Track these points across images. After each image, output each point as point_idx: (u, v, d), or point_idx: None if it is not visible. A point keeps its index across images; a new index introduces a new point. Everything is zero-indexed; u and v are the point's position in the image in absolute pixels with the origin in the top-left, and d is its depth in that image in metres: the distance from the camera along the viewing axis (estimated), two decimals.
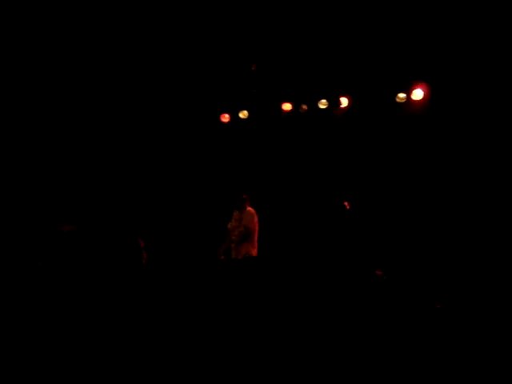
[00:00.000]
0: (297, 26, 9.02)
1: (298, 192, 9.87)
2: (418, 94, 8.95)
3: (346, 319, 7.50)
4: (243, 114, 10.31)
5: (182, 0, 8.80)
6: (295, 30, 9.08)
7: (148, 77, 10.17)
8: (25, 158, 10.06)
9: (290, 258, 9.42)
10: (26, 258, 8.76)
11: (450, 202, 8.59)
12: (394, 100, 9.13)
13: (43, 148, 10.19)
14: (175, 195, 10.58)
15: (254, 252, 8.21)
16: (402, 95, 9.08)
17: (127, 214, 10.25)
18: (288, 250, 9.54)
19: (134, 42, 9.55)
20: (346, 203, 8.79)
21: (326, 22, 8.89)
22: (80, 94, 10.21)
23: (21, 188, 9.87)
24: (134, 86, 10.27)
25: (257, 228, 8.24)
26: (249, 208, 8.35)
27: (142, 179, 10.60)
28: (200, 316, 7.99)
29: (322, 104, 9.69)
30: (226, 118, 10.49)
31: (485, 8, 7.88)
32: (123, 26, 9.23)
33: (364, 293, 8.27)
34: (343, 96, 9.57)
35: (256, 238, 8.25)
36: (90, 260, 9.36)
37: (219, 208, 9.55)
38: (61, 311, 8.14)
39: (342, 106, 9.62)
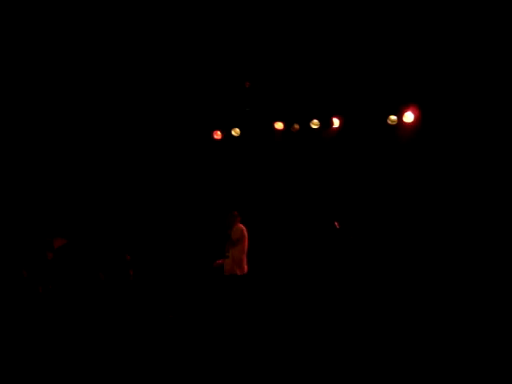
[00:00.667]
0: (291, 46, 9.11)
1: (289, 210, 9.88)
2: (409, 117, 9.04)
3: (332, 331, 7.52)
4: (235, 132, 10.36)
5: (177, 17, 8.85)
6: (289, 49, 9.17)
7: (141, 93, 10.20)
8: (16, 168, 10.02)
9: (280, 275, 9.44)
10: (11, 266, 8.70)
11: (440, 223, 8.64)
12: (386, 122, 9.21)
13: (35, 159, 10.16)
14: (167, 210, 10.56)
15: (244, 268, 8.21)
16: (393, 117, 9.17)
17: (118, 228, 10.22)
18: (278, 266, 9.54)
19: (129, 57, 9.58)
20: (336, 223, 8.83)
21: (320, 44, 8.99)
22: (73, 110, 10.24)
23: (11, 198, 9.82)
24: (128, 101, 10.29)
25: (245, 243, 8.25)
26: (238, 225, 8.37)
27: (134, 194, 10.58)
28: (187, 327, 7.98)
29: (314, 124, 9.76)
30: (218, 135, 10.53)
31: (475, 31, 8.01)
32: (119, 41, 9.27)
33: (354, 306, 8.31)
34: (335, 117, 9.65)
35: (244, 253, 8.25)
36: (79, 272, 9.32)
37: (210, 224, 9.54)
38: (45, 320, 8.07)
39: (334, 126, 9.69)
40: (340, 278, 8.83)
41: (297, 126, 9.90)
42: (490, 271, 8.11)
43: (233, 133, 10.37)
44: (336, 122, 9.67)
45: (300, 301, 8.92)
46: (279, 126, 10.06)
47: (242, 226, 8.36)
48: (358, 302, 8.47)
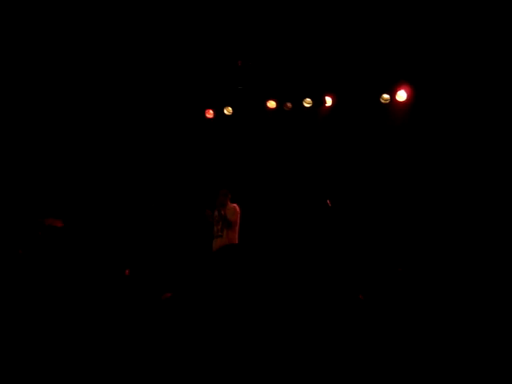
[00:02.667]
0: (284, 24, 9.04)
1: (281, 189, 9.89)
2: (401, 96, 9.04)
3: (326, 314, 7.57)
4: (228, 111, 10.31)
5: None
6: (282, 28, 9.10)
7: (133, 72, 10.11)
8: (10, 151, 9.96)
9: (272, 251, 9.46)
10: (6, 246, 8.69)
11: (431, 201, 8.67)
12: (379, 101, 9.20)
13: (28, 142, 10.10)
14: (159, 190, 10.53)
15: None
16: (386, 96, 9.17)
17: (110, 209, 10.20)
18: (270, 245, 9.57)
19: (119, 38, 9.49)
20: (328, 201, 8.85)
21: (313, 22, 8.92)
22: (61, 90, 10.14)
23: (5, 180, 9.78)
24: (118, 81, 10.20)
25: (238, 223, 8.28)
26: (232, 204, 8.37)
27: (126, 174, 10.53)
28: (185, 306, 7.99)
29: (307, 102, 9.73)
30: (210, 113, 10.48)
31: (467, 12, 7.98)
32: (109, 21, 9.16)
33: (344, 289, 8.35)
34: (328, 95, 9.62)
35: (237, 232, 8.28)
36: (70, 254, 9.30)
37: (202, 203, 9.52)
38: (38, 301, 8.08)
39: (327, 105, 9.67)
40: (331, 257, 8.88)
41: (289, 105, 9.87)
42: (481, 251, 8.14)
43: (225, 111, 10.33)
44: (329, 101, 9.65)
45: (291, 279, 8.96)
46: (272, 104, 10.03)
47: (235, 204, 8.35)
48: (350, 281, 8.52)
